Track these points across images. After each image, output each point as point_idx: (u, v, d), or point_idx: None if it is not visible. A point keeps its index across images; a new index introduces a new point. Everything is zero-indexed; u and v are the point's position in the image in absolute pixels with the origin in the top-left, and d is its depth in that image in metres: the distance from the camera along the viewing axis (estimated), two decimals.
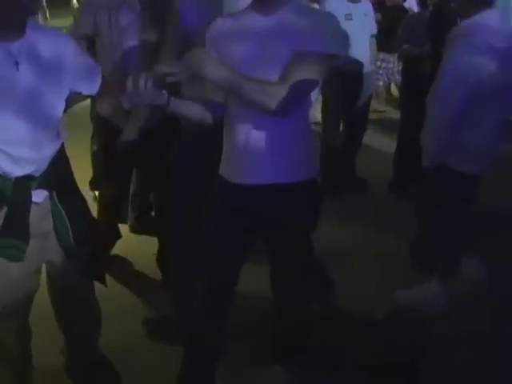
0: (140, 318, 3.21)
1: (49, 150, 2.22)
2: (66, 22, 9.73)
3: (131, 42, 3.14)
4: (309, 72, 2.06)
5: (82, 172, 3.51)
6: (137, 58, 3.13)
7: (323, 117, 5.00)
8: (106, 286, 2.57)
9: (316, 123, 5.73)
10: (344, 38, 2.17)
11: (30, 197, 2.18)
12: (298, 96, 2.07)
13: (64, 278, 2.44)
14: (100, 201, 3.72)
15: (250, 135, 2.15)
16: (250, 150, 2.16)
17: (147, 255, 3.76)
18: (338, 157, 5.00)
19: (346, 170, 5.18)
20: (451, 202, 3.07)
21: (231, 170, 2.26)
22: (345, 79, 4.50)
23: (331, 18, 2.20)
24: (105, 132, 3.44)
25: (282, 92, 2.02)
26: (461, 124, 2.87)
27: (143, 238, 3.93)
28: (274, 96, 2.02)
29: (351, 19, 4.58)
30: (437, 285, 3.27)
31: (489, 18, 2.86)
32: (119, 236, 3.86)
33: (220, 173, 2.32)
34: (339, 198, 4.81)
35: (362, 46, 4.69)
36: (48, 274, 2.46)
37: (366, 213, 4.51)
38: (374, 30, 4.97)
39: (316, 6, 6.33)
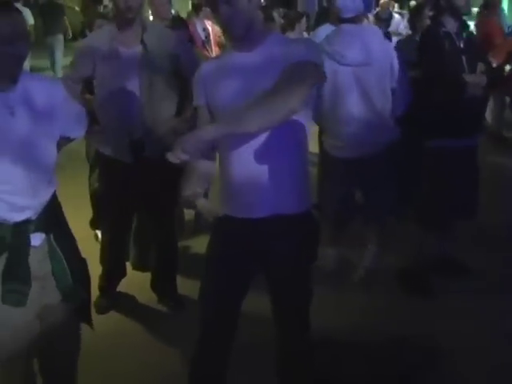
0: (145, 355, 3.24)
1: (45, 196, 2.26)
2: None
3: (129, 84, 3.24)
4: (304, 72, 2.07)
5: (82, 211, 3.57)
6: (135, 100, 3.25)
7: (320, 145, 5.00)
8: (93, 328, 2.53)
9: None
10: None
11: (29, 241, 2.21)
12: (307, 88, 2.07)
13: (55, 321, 2.38)
14: (104, 239, 3.75)
15: (248, 170, 2.18)
16: (249, 184, 2.19)
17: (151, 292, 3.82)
18: None
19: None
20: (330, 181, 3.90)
21: (231, 205, 2.29)
22: None
23: (310, 40, 2.45)
24: (108, 172, 3.51)
25: (296, 94, 2.01)
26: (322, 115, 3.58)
27: (146, 274, 3.92)
28: (293, 99, 2.00)
29: None
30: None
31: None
32: (125, 273, 3.89)
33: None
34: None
35: None
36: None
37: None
38: None
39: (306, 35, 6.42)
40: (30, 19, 10.37)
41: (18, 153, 2.14)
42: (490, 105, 7.37)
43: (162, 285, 3.82)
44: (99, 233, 4.33)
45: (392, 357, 3.10)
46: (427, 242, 3.85)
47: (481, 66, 3.64)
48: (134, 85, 3.26)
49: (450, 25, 3.59)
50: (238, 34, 2.15)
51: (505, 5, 10.38)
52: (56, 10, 11.95)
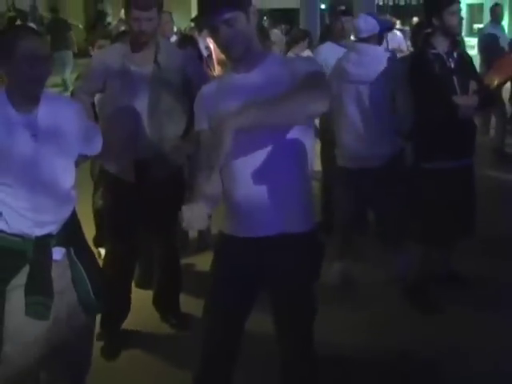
0: (147, 373, 3.25)
1: (65, 212, 2.33)
2: None
3: (139, 103, 3.24)
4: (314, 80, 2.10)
5: (85, 229, 3.55)
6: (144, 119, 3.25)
7: (322, 162, 5.02)
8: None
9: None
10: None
11: (51, 254, 2.27)
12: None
13: (66, 334, 2.40)
14: (106, 257, 3.65)
15: (250, 189, 2.19)
16: (252, 203, 2.20)
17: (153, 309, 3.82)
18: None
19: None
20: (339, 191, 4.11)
21: (234, 225, 2.30)
22: None
23: (308, 57, 2.36)
24: (113, 190, 3.49)
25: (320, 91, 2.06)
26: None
27: (149, 292, 3.92)
28: (317, 96, 2.05)
29: None
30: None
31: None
32: (129, 307, 3.67)
33: (223, 229, 2.36)
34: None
35: None
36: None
37: (369, 253, 4.51)
38: None
39: (309, 52, 6.47)
40: None
41: (41, 173, 2.20)
42: (492, 120, 7.40)
43: (165, 302, 3.81)
44: (102, 250, 4.32)
45: (396, 368, 3.16)
46: (429, 257, 3.86)
47: (473, 85, 3.57)
48: (142, 104, 3.25)
49: (442, 45, 3.58)
50: (237, 55, 2.17)
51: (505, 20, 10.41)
52: (61, 27, 12.09)
